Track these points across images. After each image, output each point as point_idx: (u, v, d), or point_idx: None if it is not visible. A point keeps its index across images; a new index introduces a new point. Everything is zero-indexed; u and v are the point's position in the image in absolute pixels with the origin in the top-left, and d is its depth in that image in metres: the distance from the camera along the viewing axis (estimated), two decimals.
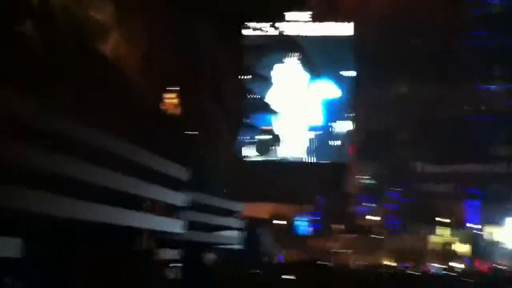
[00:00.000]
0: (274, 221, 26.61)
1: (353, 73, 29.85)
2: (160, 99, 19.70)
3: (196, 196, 13.75)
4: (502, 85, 30.57)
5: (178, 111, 20.36)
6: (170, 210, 11.96)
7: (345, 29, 30.08)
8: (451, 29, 29.83)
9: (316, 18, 30.31)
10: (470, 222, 28.77)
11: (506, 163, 29.26)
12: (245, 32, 29.09)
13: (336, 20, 30.06)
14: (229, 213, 16.37)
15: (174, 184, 12.30)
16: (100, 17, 17.12)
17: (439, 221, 28.72)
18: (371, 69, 28.84)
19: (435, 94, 29.08)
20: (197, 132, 20.01)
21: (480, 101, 30.56)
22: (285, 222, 27.46)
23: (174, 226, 12.00)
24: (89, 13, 16.48)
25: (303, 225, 28.24)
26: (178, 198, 12.36)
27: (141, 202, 10.89)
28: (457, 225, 28.79)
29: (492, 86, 30.74)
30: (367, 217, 29.15)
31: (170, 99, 20.18)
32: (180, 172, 12.68)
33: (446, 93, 29.17)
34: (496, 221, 28.11)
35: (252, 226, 20.06)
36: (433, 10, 29.18)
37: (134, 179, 10.41)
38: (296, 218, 28.21)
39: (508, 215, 27.91)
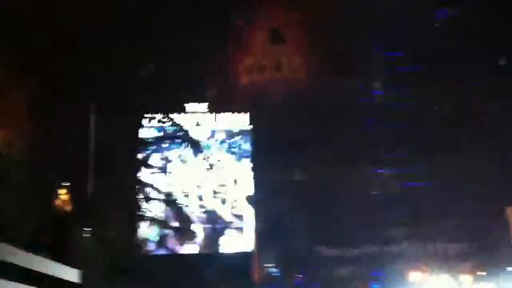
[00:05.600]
0: None
1: (249, 161, 30.05)
2: (51, 195, 18.54)
3: None
4: (391, 169, 31.97)
5: (69, 207, 19.12)
6: None
7: (242, 119, 30.60)
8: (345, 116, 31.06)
9: (213, 110, 30.60)
10: None
11: (401, 243, 30.16)
12: (143, 124, 28.66)
13: (233, 111, 30.57)
14: None
15: None
16: None
17: None
18: (266, 156, 29.21)
19: (331, 177, 29.79)
20: (91, 229, 18.84)
21: (373, 183, 31.65)
22: None
23: None
24: None
25: None
26: None
27: None
28: None
29: (381, 170, 32.07)
30: None
31: (61, 195, 18.99)
32: (74, 275, 11.68)
33: (340, 176, 29.96)
34: None
35: None
36: (325, 93, 30.27)
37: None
38: None
39: None
